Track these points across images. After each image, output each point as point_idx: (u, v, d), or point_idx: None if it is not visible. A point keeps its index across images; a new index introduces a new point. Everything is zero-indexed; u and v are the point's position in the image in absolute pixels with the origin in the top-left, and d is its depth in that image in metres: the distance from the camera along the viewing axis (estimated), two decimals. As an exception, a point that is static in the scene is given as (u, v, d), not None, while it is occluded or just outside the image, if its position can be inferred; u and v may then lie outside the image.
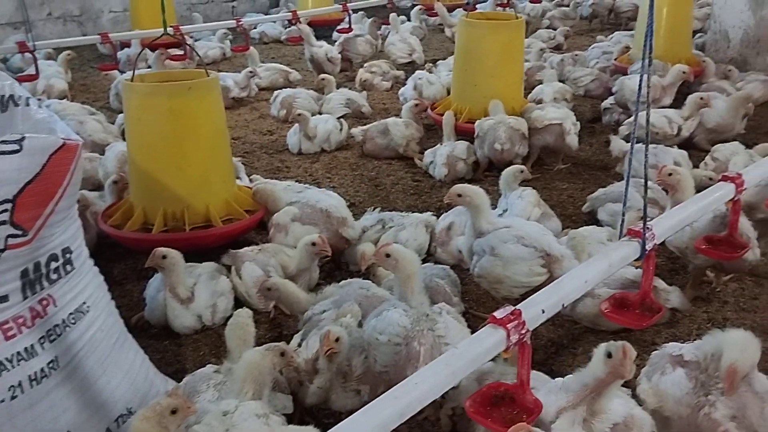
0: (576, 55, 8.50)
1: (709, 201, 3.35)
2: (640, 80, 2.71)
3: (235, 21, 9.61)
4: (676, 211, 3.30)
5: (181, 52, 8.85)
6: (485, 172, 5.94)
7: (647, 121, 2.79)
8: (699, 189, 3.89)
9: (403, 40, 9.20)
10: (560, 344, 3.76)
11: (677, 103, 6.78)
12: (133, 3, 10.13)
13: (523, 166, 4.85)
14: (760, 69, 8.04)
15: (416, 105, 6.45)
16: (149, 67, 7.67)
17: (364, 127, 6.47)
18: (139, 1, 9.88)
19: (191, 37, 9.90)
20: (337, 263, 4.54)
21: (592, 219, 4.96)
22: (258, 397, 2.62)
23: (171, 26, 6.86)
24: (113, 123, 6.55)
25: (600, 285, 3.47)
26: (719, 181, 3.50)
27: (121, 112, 6.74)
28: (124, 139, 5.87)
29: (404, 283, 2.95)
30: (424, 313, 2.88)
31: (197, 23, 10.50)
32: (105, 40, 8.51)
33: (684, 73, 6.74)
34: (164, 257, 3.70)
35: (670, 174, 3.93)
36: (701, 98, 6.19)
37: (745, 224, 3.84)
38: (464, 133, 6.10)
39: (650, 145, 5.50)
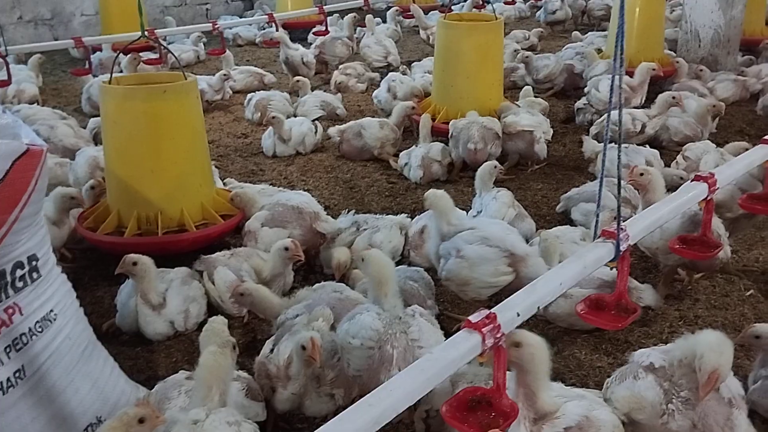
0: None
1: (682, 201, 3.37)
2: (612, 80, 2.70)
3: (210, 24, 9.54)
4: (650, 212, 3.31)
5: (156, 56, 8.77)
6: (460, 173, 5.94)
7: (620, 120, 2.79)
8: (670, 188, 3.92)
9: (378, 43, 9.18)
10: (536, 345, 3.76)
11: (648, 103, 6.85)
12: (103, 6, 9.99)
13: (496, 163, 4.87)
14: (730, 68, 8.14)
15: (412, 108, 6.41)
16: (122, 71, 7.57)
17: (341, 127, 6.44)
18: (109, 5, 9.75)
19: (165, 40, 9.81)
20: (311, 266, 4.51)
21: (565, 219, 4.98)
22: (224, 398, 2.57)
23: (146, 30, 6.79)
24: (85, 127, 6.46)
25: (575, 287, 3.48)
26: (692, 180, 3.52)
27: (94, 116, 6.68)
28: (96, 144, 5.82)
29: (378, 287, 2.94)
30: (397, 316, 2.86)
31: (170, 26, 10.39)
32: (78, 44, 8.40)
33: (653, 69, 6.78)
34: (135, 264, 3.65)
35: (641, 174, 3.96)
36: (673, 97, 6.24)
37: (716, 222, 3.87)
38: (442, 134, 6.10)
39: (622, 145, 5.59)
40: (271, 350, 3.12)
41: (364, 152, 6.33)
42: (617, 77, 2.70)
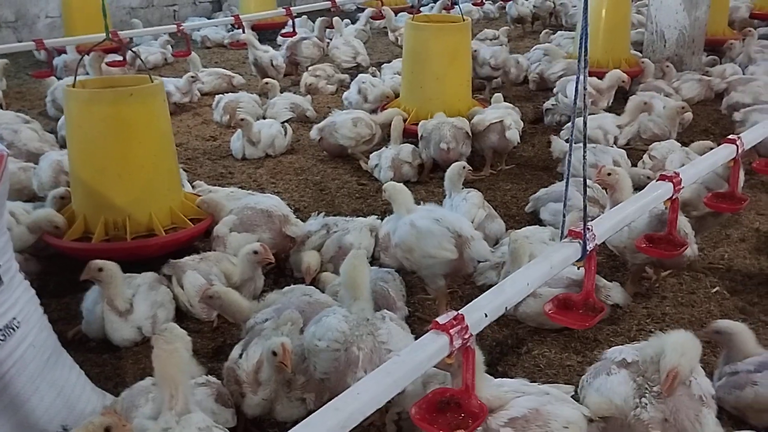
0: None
1: (648, 200, 3.41)
2: (577, 81, 2.73)
3: (175, 25, 9.45)
4: (616, 211, 3.35)
5: (120, 58, 8.66)
6: (430, 174, 5.95)
7: (584, 122, 2.81)
8: (637, 187, 3.97)
9: (346, 43, 9.17)
10: (505, 344, 3.78)
11: (615, 104, 6.93)
12: (65, 9, 9.83)
13: (464, 163, 4.89)
14: (695, 68, 8.26)
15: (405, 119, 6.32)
16: (87, 74, 7.47)
17: (320, 126, 6.40)
18: (72, 7, 9.61)
19: (131, 42, 9.70)
20: (281, 269, 4.49)
21: (535, 219, 5.01)
22: (187, 398, 2.54)
23: (110, 32, 6.70)
24: (51, 131, 6.36)
25: (544, 286, 3.51)
26: (657, 180, 3.56)
27: (58, 120, 6.57)
28: (62, 147, 5.73)
29: (352, 288, 2.93)
30: (365, 318, 2.86)
31: (136, 28, 10.27)
32: (40, 46, 8.27)
33: (623, 81, 6.82)
34: (101, 270, 3.60)
35: (609, 174, 4.00)
36: (645, 102, 6.30)
37: (683, 221, 3.93)
38: (411, 135, 6.10)
39: (590, 145, 5.65)
40: (240, 355, 3.09)
41: (341, 150, 6.32)
42: (582, 79, 2.72)
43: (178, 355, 2.62)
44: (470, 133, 5.85)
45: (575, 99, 2.77)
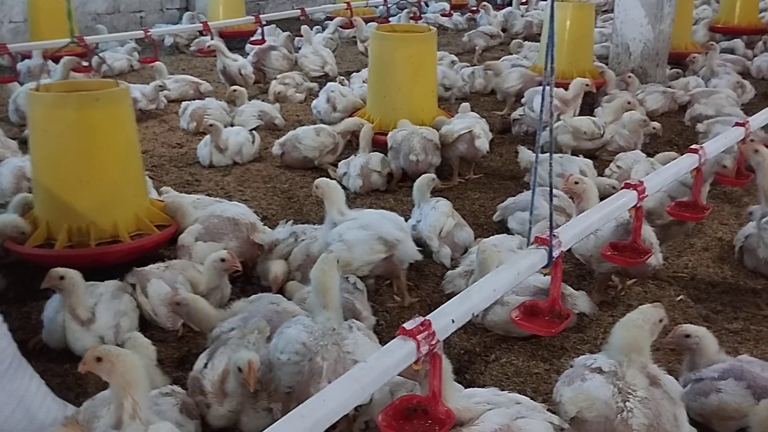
0: (488, 69, 8.59)
1: (612, 208, 3.44)
2: (543, 91, 2.75)
3: (143, 31, 9.36)
4: (582, 219, 3.38)
5: (86, 64, 8.54)
6: (399, 183, 5.96)
7: (551, 131, 2.84)
8: (603, 197, 4.01)
9: (315, 52, 9.16)
10: (473, 352, 3.78)
11: (582, 114, 7.01)
12: (32, 13, 9.68)
13: (433, 175, 4.92)
14: (659, 80, 8.40)
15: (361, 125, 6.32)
16: (50, 79, 7.34)
17: (281, 141, 6.38)
18: (38, 12, 9.46)
19: (97, 47, 9.56)
20: (248, 278, 4.44)
21: (502, 227, 5.04)
22: (145, 402, 2.51)
23: (75, 36, 6.61)
24: (13, 137, 6.24)
25: (509, 293, 3.53)
26: (622, 188, 3.60)
27: (20, 126, 6.46)
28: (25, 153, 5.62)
29: (321, 296, 2.92)
30: (331, 327, 2.83)
31: (102, 34, 10.15)
32: (3, 50, 8.12)
33: (586, 85, 6.93)
34: (62, 278, 3.52)
35: (576, 183, 4.04)
36: (628, 102, 6.44)
37: (647, 230, 3.98)
38: (378, 145, 6.10)
39: (556, 155, 5.71)
40: (205, 365, 3.05)
41: (306, 162, 6.29)
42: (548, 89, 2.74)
43: (130, 364, 2.56)
44: (439, 144, 5.87)
45: (541, 109, 2.79)
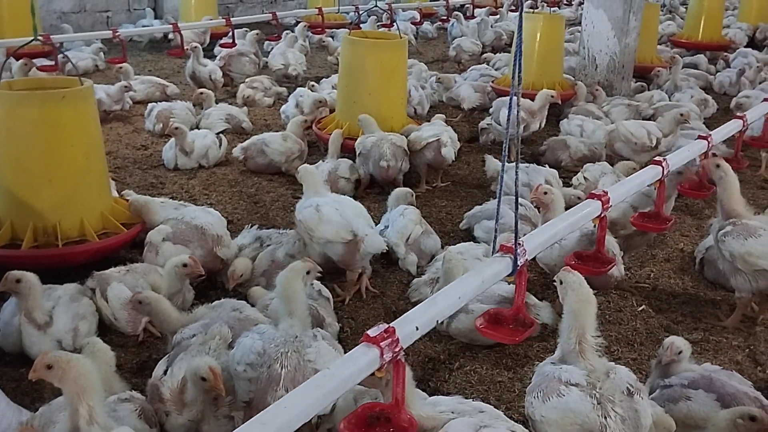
0: (438, 82, 8.62)
1: (577, 218, 3.47)
2: (510, 101, 2.76)
3: (111, 31, 9.23)
4: (547, 228, 3.40)
5: (51, 63, 8.40)
6: (367, 189, 5.94)
7: (518, 140, 2.85)
8: (568, 207, 4.04)
9: (282, 53, 9.20)
10: (437, 360, 3.78)
11: (549, 126, 7.06)
12: (-5, 11, 9.51)
13: (412, 191, 5.01)
14: (624, 93, 8.52)
15: (305, 121, 6.41)
16: (12, 77, 7.20)
17: (244, 145, 6.32)
18: (1, 8, 9.28)
19: (62, 46, 9.40)
20: (212, 282, 4.38)
21: (469, 236, 5.05)
22: (101, 407, 2.46)
23: (41, 35, 6.49)
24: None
25: (474, 301, 3.53)
26: (587, 198, 3.63)
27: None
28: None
29: (286, 303, 2.90)
30: (294, 335, 2.81)
31: (67, 33, 9.99)
32: (-37, 49, 7.94)
33: (552, 96, 6.96)
34: (18, 281, 3.45)
35: (545, 193, 4.06)
36: (681, 114, 6.30)
37: (611, 241, 4.02)
38: (346, 150, 6.09)
39: (522, 165, 5.75)
40: (165, 371, 2.99)
41: (270, 167, 6.25)
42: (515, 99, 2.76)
43: (83, 369, 2.52)
44: (407, 150, 5.88)
45: (509, 118, 2.80)
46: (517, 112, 2.77)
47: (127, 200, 4.76)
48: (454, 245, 4.52)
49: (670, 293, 4.56)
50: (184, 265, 3.80)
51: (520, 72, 2.66)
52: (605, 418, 2.54)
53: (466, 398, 2.82)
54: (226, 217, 5.10)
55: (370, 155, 5.75)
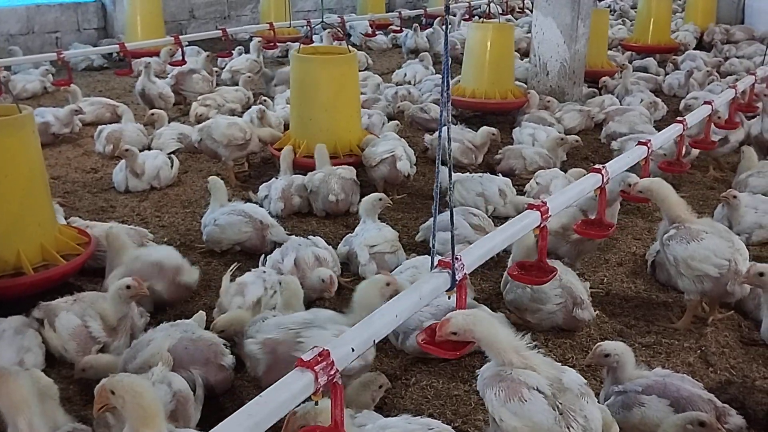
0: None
1: (516, 229, 3.47)
2: (441, 104, 2.76)
3: (56, 53, 9.09)
4: (485, 241, 3.39)
5: (-4, 88, 8.24)
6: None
7: (449, 144, 2.85)
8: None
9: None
10: (393, 376, 3.74)
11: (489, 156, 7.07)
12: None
13: (382, 195, 5.05)
14: (576, 99, 8.63)
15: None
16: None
17: (199, 127, 6.53)
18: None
19: (7, 71, 9.22)
20: (162, 308, 4.31)
21: (425, 248, 5.04)
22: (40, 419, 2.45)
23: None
24: None
25: (429, 317, 3.52)
26: (525, 209, 3.64)
27: None
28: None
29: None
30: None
31: (16, 56, 9.79)
32: None
33: (492, 134, 6.72)
34: (-44, 315, 3.35)
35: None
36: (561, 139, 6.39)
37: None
38: (303, 168, 6.05)
39: (476, 175, 5.78)
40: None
41: (218, 155, 6.40)
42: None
43: (14, 384, 2.50)
44: (357, 180, 5.83)
45: (440, 123, 2.79)
46: (448, 113, 2.75)
47: (77, 228, 4.68)
48: (409, 258, 4.53)
49: (623, 297, 4.59)
50: (128, 287, 3.73)
51: (448, 74, 2.63)
52: (567, 428, 2.53)
53: (422, 414, 2.80)
54: (179, 238, 5.07)
55: (319, 191, 5.67)
